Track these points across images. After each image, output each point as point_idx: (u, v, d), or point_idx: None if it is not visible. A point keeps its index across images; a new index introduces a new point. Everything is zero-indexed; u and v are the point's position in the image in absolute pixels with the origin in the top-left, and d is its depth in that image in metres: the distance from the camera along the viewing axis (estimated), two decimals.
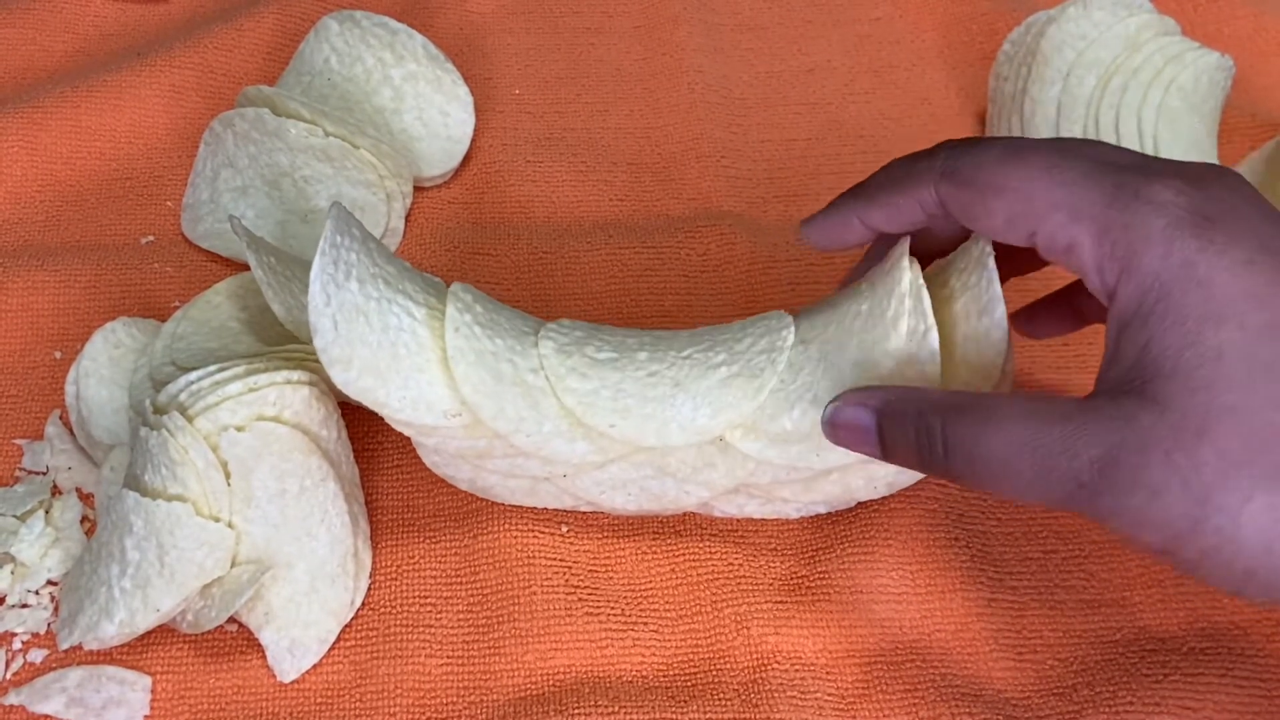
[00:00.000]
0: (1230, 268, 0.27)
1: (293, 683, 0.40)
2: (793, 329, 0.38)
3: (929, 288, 0.35)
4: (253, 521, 0.39)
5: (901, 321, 0.34)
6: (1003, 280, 0.34)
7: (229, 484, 0.38)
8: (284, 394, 0.39)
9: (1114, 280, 0.29)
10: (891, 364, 0.34)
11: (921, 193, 0.33)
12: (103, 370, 0.44)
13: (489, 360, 0.37)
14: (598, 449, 0.37)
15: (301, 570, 0.39)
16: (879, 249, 0.39)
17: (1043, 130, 0.52)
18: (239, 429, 0.38)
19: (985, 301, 0.34)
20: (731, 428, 0.37)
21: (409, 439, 0.39)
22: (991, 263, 0.34)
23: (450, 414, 0.37)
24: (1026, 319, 0.41)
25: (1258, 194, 0.30)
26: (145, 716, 0.39)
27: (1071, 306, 0.39)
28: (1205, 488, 0.26)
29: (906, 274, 0.35)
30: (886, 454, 0.32)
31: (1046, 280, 0.39)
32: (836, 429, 0.33)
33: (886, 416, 0.32)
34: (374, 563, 0.42)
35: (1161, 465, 0.27)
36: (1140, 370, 0.28)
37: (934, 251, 0.37)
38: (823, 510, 0.41)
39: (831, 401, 0.34)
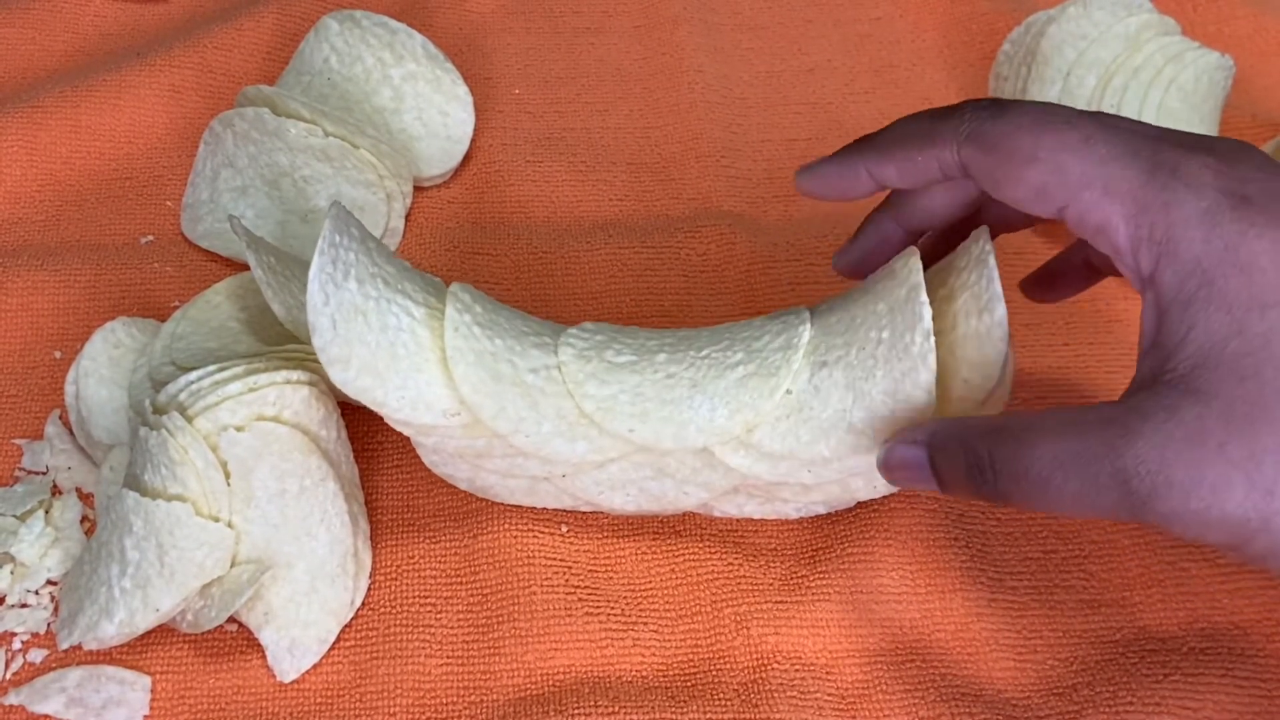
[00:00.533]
0: (1272, 250, 0.26)
1: (292, 683, 0.40)
2: (809, 326, 0.38)
3: (929, 287, 0.35)
4: (252, 521, 0.39)
5: (930, 357, 0.34)
6: (994, 236, 0.34)
7: (229, 484, 0.38)
8: (284, 394, 0.39)
9: (1151, 265, 0.28)
10: (924, 396, 0.35)
11: (942, 152, 0.32)
12: (102, 370, 0.44)
13: (488, 361, 0.37)
14: (596, 449, 0.37)
15: (301, 570, 0.39)
16: (874, 233, 0.38)
17: None
18: (239, 429, 0.38)
19: (985, 300, 0.34)
20: (749, 429, 0.37)
21: (409, 439, 0.39)
22: (992, 260, 0.34)
23: (449, 414, 0.37)
24: (1035, 284, 0.40)
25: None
26: (145, 716, 0.39)
27: (1080, 264, 0.38)
28: (1270, 479, 0.26)
29: (928, 310, 0.34)
30: (943, 486, 0.32)
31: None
32: (892, 470, 0.33)
33: (936, 450, 0.32)
34: (374, 563, 0.42)
35: (1217, 460, 0.26)
36: (1183, 359, 0.27)
37: (935, 223, 0.37)
38: (822, 510, 0.41)
39: (884, 444, 0.33)
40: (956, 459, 0.31)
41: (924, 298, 0.34)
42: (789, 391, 0.37)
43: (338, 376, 0.36)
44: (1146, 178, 0.28)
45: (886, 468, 0.33)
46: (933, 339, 0.34)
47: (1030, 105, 0.30)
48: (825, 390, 0.36)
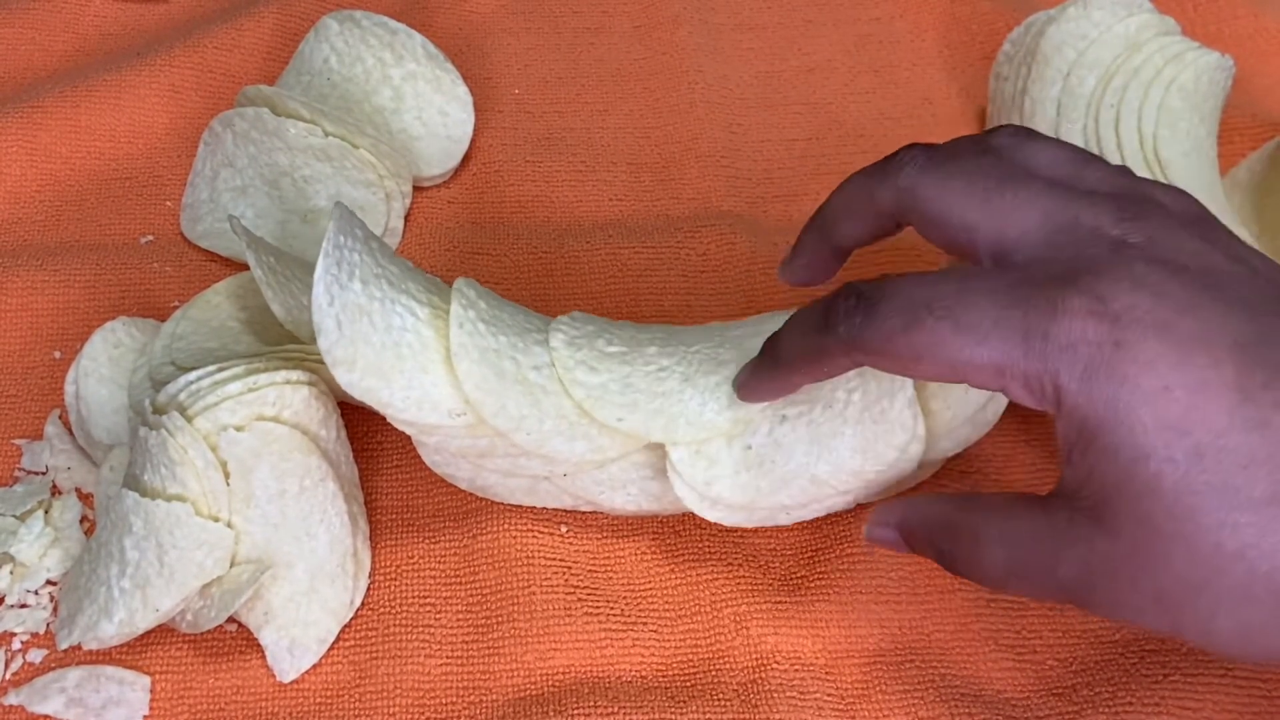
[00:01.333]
0: (1148, 401, 0.27)
1: (292, 683, 0.40)
2: None
3: None
4: (252, 521, 0.39)
5: (910, 423, 0.37)
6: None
7: (228, 484, 0.38)
8: (283, 394, 0.39)
9: (1053, 410, 0.29)
10: (896, 454, 0.37)
11: (839, 362, 0.33)
12: (102, 370, 0.44)
13: (491, 357, 0.37)
14: (596, 448, 0.37)
15: (301, 570, 0.39)
16: (808, 249, 0.39)
17: (1043, 129, 0.52)
18: (238, 429, 0.38)
19: None
20: (708, 483, 0.38)
21: (409, 439, 0.39)
22: None
23: (455, 413, 0.37)
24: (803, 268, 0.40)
25: (1196, 227, 0.30)
26: (144, 716, 0.39)
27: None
28: (1174, 612, 0.28)
29: (910, 383, 0.36)
30: (918, 553, 0.35)
31: None
32: (874, 543, 0.35)
33: (906, 535, 0.34)
34: (373, 563, 0.42)
35: (1130, 590, 0.28)
36: (1089, 494, 0.29)
37: (862, 244, 0.38)
38: (820, 512, 0.41)
39: (869, 519, 0.35)
40: (925, 548, 0.34)
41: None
42: (748, 447, 0.38)
43: (343, 378, 0.35)
44: (1024, 350, 0.29)
45: (871, 539, 0.35)
46: (916, 406, 0.35)
47: (892, 301, 0.30)
48: (787, 445, 0.38)
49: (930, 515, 0.33)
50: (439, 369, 0.37)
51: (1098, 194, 0.31)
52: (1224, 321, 0.28)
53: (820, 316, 0.32)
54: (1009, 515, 0.31)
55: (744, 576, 0.42)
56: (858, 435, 0.37)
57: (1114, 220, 0.30)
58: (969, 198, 0.32)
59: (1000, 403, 0.37)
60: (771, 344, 0.36)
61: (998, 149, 0.33)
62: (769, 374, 0.36)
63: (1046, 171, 0.32)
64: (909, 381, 0.36)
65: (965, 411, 0.37)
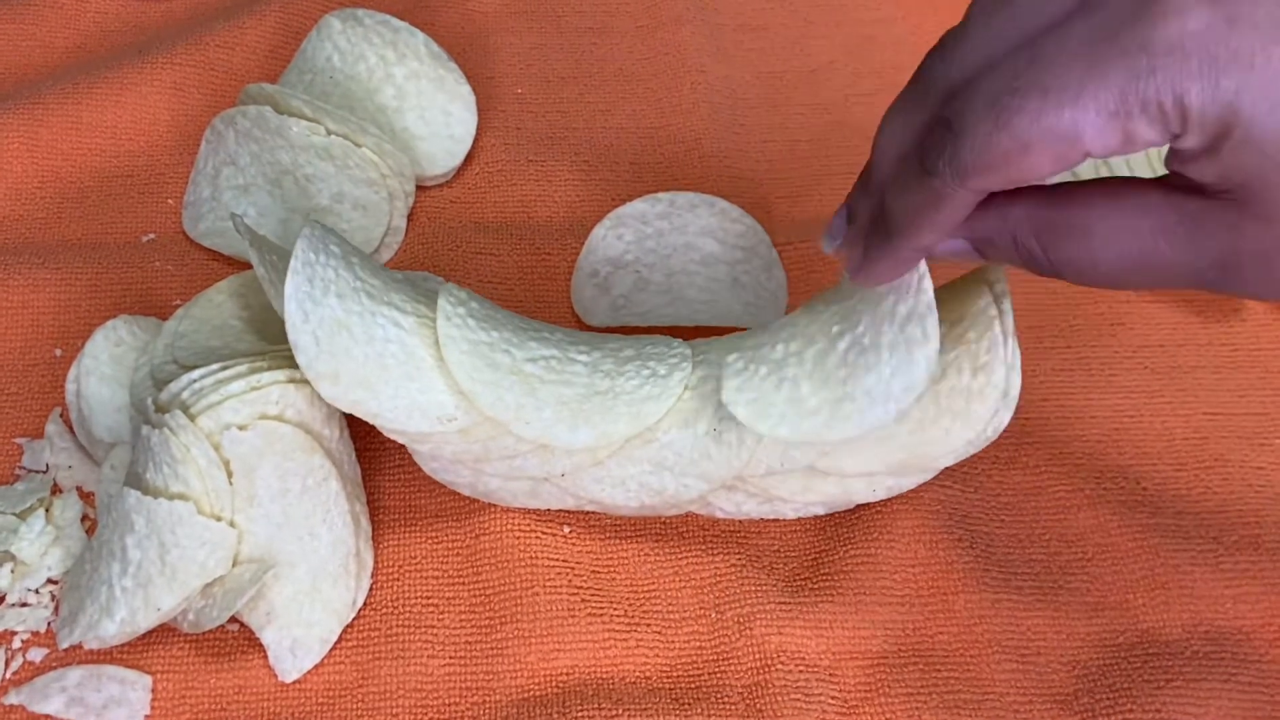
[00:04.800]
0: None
1: (294, 683, 0.40)
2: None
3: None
4: (255, 520, 0.38)
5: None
6: None
7: (231, 483, 0.38)
8: (286, 393, 0.39)
9: (1179, 129, 0.26)
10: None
11: (960, 200, 0.29)
12: (104, 368, 0.43)
13: (484, 350, 0.37)
14: (601, 434, 0.37)
15: (303, 570, 0.39)
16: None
17: None
18: (241, 428, 0.38)
19: (982, 362, 0.35)
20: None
21: None
22: (997, 326, 0.35)
23: (444, 419, 0.37)
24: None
25: None
26: (146, 716, 0.39)
27: None
28: None
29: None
30: (990, 261, 0.32)
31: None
32: (933, 256, 0.33)
33: (983, 244, 0.31)
34: (376, 562, 0.42)
35: None
36: (1230, 185, 0.26)
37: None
38: (821, 511, 0.41)
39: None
40: (1006, 253, 0.31)
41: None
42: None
43: (327, 392, 0.36)
44: (1126, 77, 0.26)
45: (930, 256, 0.33)
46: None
47: (970, 109, 0.28)
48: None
49: (1014, 215, 0.30)
50: (426, 376, 0.37)
51: None
52: None
53: (918, 165, 0.29)
54: (1126, 206, 0.28)
55: (748, 578, 0.42)
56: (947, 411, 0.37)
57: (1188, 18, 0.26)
58: (997, 26, 0.29)
59: (1002, 419, 0.37)
60: (875, 218, 0.32)
61: None
62: (885, 245, 0.32)
63: None
64: (999, 356, 0.35)
65: (967, 434, 0.37)
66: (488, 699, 0.39)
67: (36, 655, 0.40)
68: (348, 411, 0.37)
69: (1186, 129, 0.26)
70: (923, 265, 0.34)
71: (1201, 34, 0.25)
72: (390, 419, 0.37)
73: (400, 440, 0.38)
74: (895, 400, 0.35)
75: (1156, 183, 0.29)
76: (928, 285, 0.34)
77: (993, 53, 0.28)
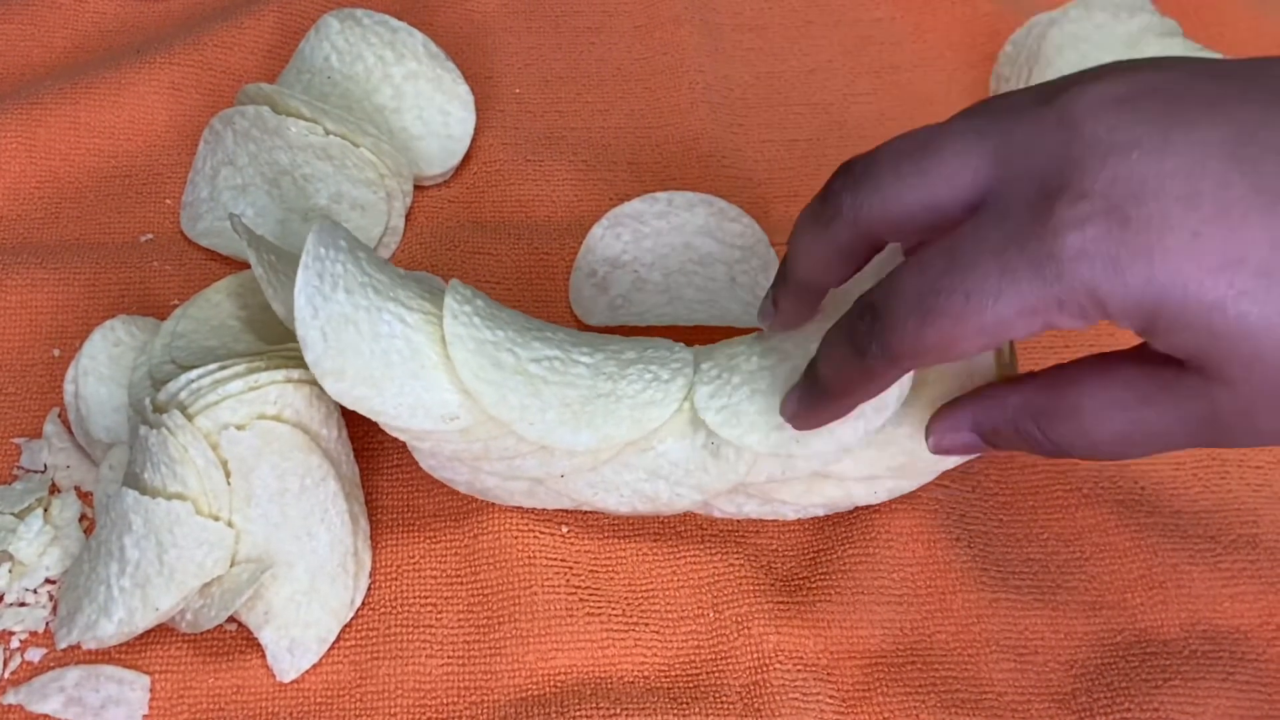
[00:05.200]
0: (1185, 255, 0.26)
1: (292, 682, 0.39)
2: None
3: None
4: (253, 520, 0.38)
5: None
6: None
7: (229, 483, 0.38)
8: (285, 392, 0.39)
9: (1102, 318, 0.28)
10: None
11: (893, 377, 0.32)
12: (102, 368, 0.43)
13: (489, 349, 0.37)
14: (602, 437, 0.37)
15: (301, 569, 0.39)
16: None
17: None
18: (239, 427, 0.38)
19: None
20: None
21: None
22: None
23: (448, 418, 0.37)
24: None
25: (1114, 70, 0.29)
26: (144, 716, 0.39)
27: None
28: None
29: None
30: (1001, 450, 0.34)
31: None
32: (946, 452, 0.35)
33: (987, 433, 0.33)
34: (374, 562, 0.42)
35: (1272, 418, 0.28)
36: (1186, 358, 0.28)
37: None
38: (821, 513, 0.41)
39: (929, 429, 0.35)
40: (1013, 441, 0.32)
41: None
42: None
43: (332, 388, 0.36)
44: (1038, 282, 0.27)
45: (940, 450, 0.35)
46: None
47: (893, 307, 0.30)
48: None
49: (1012, 405, 0.32)
50: (431, 374, 0.37)
51: (1015, 102, 0.30)
52: (1203, 137, 0.27)
53: (847, 342, 0.32)
54: (1109, 382, 0.30)
55: (746, 577, 0.42)
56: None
57: (1035, 105, 0.29)
58: (908, 180, 0.30)
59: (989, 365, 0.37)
60: (813, 377, 0.35)
61: (907, 134, 0.31)
62: (821, 404, 0.35)
63: (957, 117, 0.31)
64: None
65: None
66: (486, 698, 0.39)
67: (35, 655, 0.40)
68: (351, 408, 0.37)
69: (1111, 317, 0.27)
70: None
71: (1101, 238, 0.26)
72: (394, 417, 0.37)
73: (401, 438, 0.38)
74: (866, 421, 0.36)
75: (1135, 354, 0.30)
76: None
77: (899, 216, 0.31)
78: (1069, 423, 0.31)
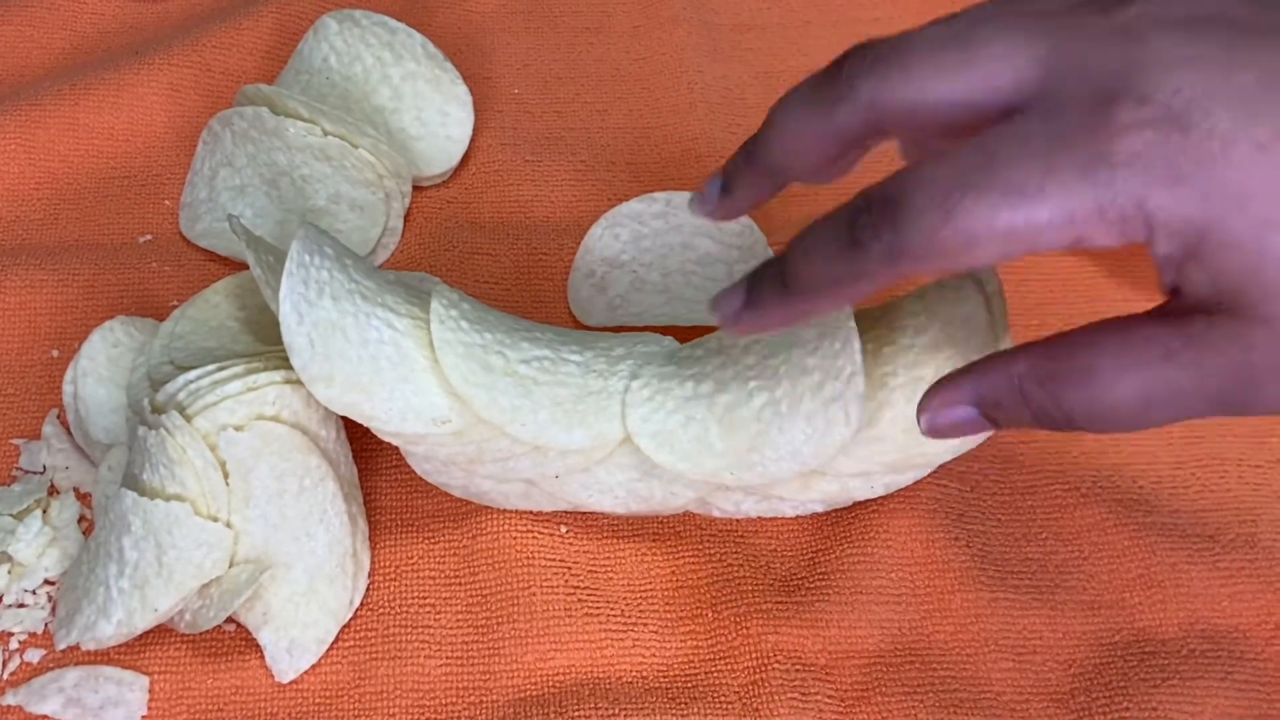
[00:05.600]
0: (1246, 170, 0.25)
1: (291, 683, 0.40)
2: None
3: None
4: (251, 521, 0.38)
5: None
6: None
7: (227, 483, 0.38)
8: (283, 393, 0.39)
9: (1143, 239, 0.26)
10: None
11: (887, 279, 0.29)
12: (100, 369, 0.43)
13: (478, 353, 0.37)
14: (595, 435, 0.37)
15: (300, 570, 0.39)
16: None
17: None
18: (238, 428, 0.38)
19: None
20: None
21: None
22: (990, 329, 0.36)
23: (439, 421, 0.37)
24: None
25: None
26: (143, 717, 0.39)
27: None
28: None
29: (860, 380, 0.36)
30: (1001, 428, 0.31)
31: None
32: (942, 433, 0.32)
33: (988, 406, 0.30)
34: (373, 563, 0.42)
35: None
36: (1222, 293, 0.26)
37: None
38: (819, 509, 0.41)
39: (922, 406, 0.32)
40: (1017, 414, 0.30)
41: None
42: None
43: (322, 394, 0.36)
44: (1083, 184, 0.26)
45: (935, 432, 0.31)
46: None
47: (920, 193, 0.27)
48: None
49: (1018, 371, 0.29)
50: (421, 378, 0.37)
51: (1060, 4, 0.28)
52: (1269, 61, 0.25)
53: (844, 235, 0.29)
54: (1128, 340, 0.28)
55: (744, 577, 0.42)
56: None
57: (1090, 14, 0.27)
58: (945, 72, 0.28)
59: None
60: (779, 273, 0.31)
61: (940, 21, 0.30)
62: (779, 302, 0.31)
63: (1000, 13, 0.29)
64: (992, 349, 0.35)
65: None
66: (484, 699, 0.39)
67: (34, 656, 0.40)
68: (342, 414, 0.37)
69: (1154, 235, 0.26)
70: (857, 352, 0.35)
71: (1160, 144, 0.25)
72: (385, 421, 0.37)
73: (394, 442, 0.38)
74: (804, 461, 0.36)
75: (1156, 313, 0.28)
76: (859, 380, 0.35)
77: (926, 109, 0.28)
78: (1083, 386, 0.28)
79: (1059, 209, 0.26)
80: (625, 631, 0.40)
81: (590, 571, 0.42)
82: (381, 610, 0.41)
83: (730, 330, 0.33)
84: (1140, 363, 0.27)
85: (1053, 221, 0.26)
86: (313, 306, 0.36)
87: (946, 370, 0.35)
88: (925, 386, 0.35)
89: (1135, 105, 0.25)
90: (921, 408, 0.32)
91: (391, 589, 0.42)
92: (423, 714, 0.39)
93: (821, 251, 0.30)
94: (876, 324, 0.38)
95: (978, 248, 0.26)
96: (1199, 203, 0.25)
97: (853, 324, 0.35)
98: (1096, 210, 0.25)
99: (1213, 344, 0.26)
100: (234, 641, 0.40)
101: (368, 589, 0.41)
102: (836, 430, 0.35)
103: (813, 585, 0.41)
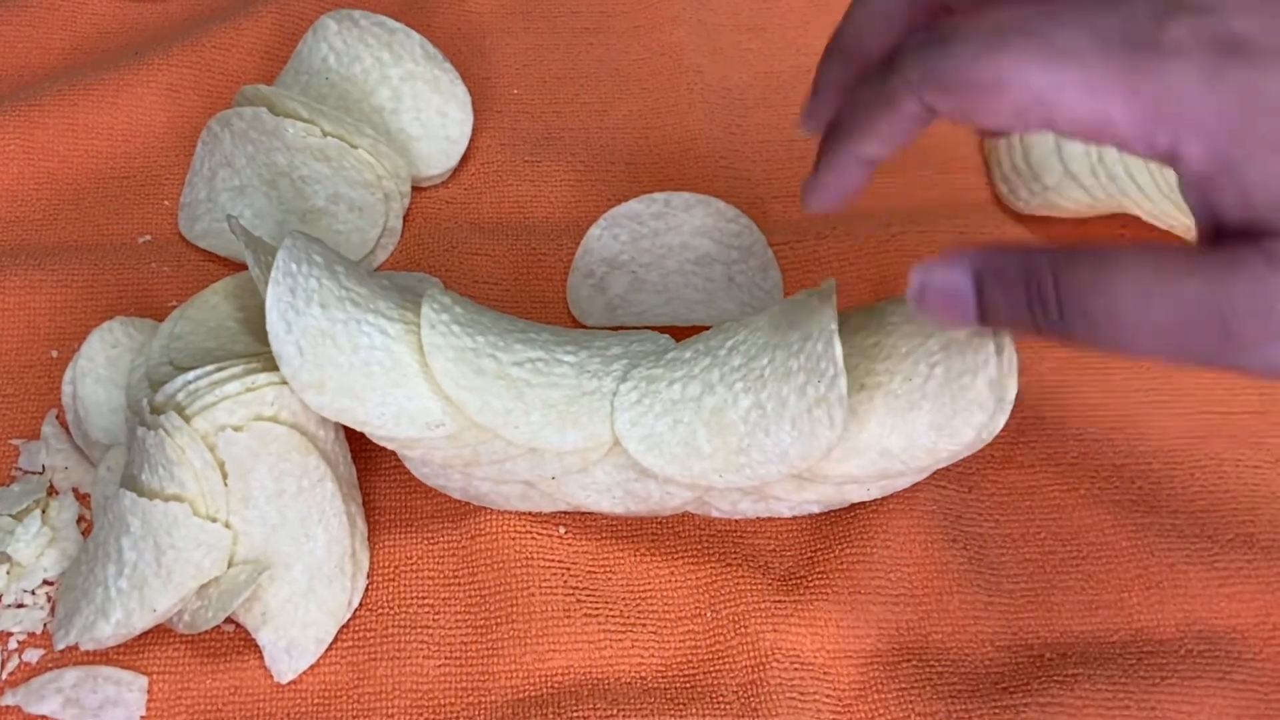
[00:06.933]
0: None
1: (290, 683, 0.40)
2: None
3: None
4: (250, 521, 0.38)
5: (996, 404, 0.36)
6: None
7: (226, 484, 0.38)
8: (282, 394, 0.39)
9: (1170, 141, 0.26)
10: (972, 434, 0.36)
11: (905, 109, 0.29)
12: (99, 370, 0.44)
13: (469, 356, 0.37)
14: (589, 435, 0.37)
15: (299, 570, 0.39)
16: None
17: (1044, 134, 0.52)
18: (236, 429, 0.38)
19: (976, 366, 0.35)
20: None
21: None
22: (993, 334, 0.35)
23: (433, 425, 0.37)
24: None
25: None
26: (141, 717, 0.39)
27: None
28: None
29: (993, 361, 0.35)
30: (986, 319, 0.29)
31: None
32: (926, 300, 0.30)
33: (987, 276, 0.29)
34: (371, 563, 0.42)
35: None
36: (1248, 224, 0.25)
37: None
38: (815, 510, 0.41)
39: (918, 268, 0.30)
40: (1014, 288, 0.28)
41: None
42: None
43: (313, 401, 0.36)
44: (1127, 62, 0.26)
45: (920, 298, 0.30)
46: (999, 385, 0.35)
47: (973, 27, 0.27)
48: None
49: (1027, 263, 0.28)
50: (413, 383, 0.37)
51: None
52: None
53: (886, 64, 0.29)
54: (1148, 248, 0.26)
55: (743, 577, 0.42)
56: (936, 411, 0.36)
57: (1187, 19, 0.26)
58: (998, 48, 0.27)
59: (999, 421, 0.37)
60: (829, 128, 0.32)
61: None
62: (832, 152, 0.31)
63: None
64: (991, 359, 0.35)
65: (960, 442, 0.37)
66: (483, 699, 0.39)
67: (33, 656, 0.40)
68: (335, 420, 0.37)
69: (1180, 136, 0.25)
70: (839, 359, 0.35)
71: (1210, 48, 0.25)
72: (378, 426, 0.37)
73: (390, 446, 0.38)
74: (791, 464, 0.36)
75: (1182, 246, 0.27)
76: (842, 382, 0.35)
77: None
78: (1088, 272, 0.27)
79: (1092, 76, 0.25)
80: (624, 632, 0.40)
81: (589, 572, 0.42)
82: (380, 610, 0.41)
83: (813, 206, 0.33)
84: (1155, 269, 0.26)
85: (1082, 86, 0.25)
86: (301, 315, 0.36)
87: (932, 373, 0.36)
88: (912, 389, 0.35)
89: (1199, 11, 0.25)
90: (917, 269, 0.30)
91: (390, 589, 0.42)
92: (421, 714, 0.39)
93: (867, 83, 0.30)
94: (863, 327, 0.38)
95: (1003, 94, 0.26)
96: (1237, 107, 0.25)
97: (834, 326, 0.35)
98: (1129, 91, 0.25)
99: (1240, 279, 0.25)
100: (233, 642, 0.40)
101: (366, 589, 0.42)
102: (821, 433, 0.35)
103: (811, 585, 0.41)
